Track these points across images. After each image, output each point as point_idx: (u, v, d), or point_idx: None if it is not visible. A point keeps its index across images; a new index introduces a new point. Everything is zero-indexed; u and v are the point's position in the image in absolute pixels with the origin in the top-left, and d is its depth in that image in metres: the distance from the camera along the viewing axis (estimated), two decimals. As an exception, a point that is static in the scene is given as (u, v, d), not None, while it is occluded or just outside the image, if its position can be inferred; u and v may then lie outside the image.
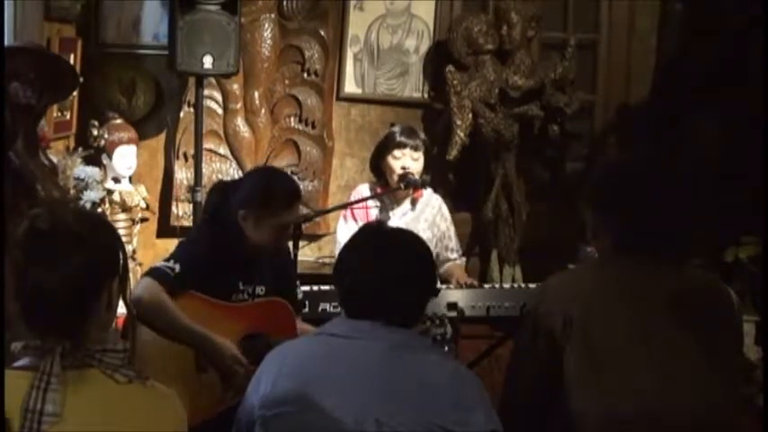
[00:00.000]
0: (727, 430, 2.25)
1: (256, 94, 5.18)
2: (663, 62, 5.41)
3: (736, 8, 4.92)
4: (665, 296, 2.27)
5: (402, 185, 4.02)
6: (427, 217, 4.17)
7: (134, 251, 4.79)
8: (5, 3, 3.55)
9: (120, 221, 4.69)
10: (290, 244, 3.37)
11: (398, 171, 4.02)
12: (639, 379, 2.19)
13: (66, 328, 1.73)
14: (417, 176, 4.04)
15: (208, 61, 4.53)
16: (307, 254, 5.07)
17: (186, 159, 5.09)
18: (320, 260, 5.15)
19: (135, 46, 5.11)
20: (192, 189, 4.73)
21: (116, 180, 4.80)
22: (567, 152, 5.34)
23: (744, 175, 4.59)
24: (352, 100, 5.37)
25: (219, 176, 5.08)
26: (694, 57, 5.11)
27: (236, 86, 5.13)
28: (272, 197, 3.10)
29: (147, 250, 5.01)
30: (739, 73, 4.81)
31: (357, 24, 5.30)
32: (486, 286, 4.12)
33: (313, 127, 5.24)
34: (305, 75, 5.23)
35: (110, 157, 4.76)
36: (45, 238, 1.73)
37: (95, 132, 4.74)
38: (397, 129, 4.19)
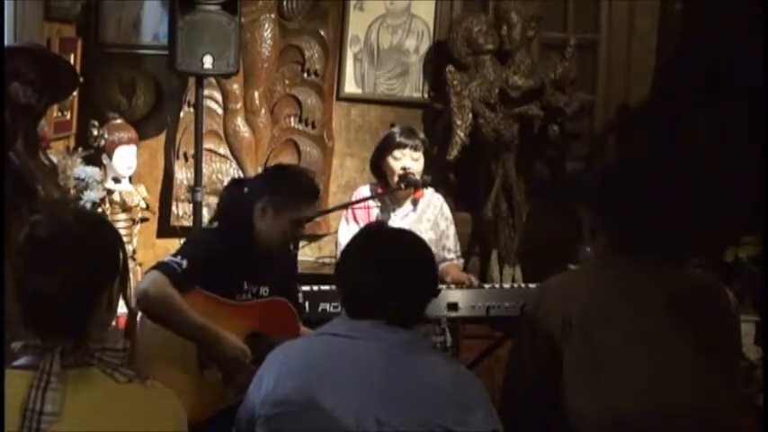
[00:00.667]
0: (727, 430, 2.26)
1: (256, 94, 5.17)
2: (663, 62, 5.41)
3: (736, 8, 4.93)
4: (664, 296, 2.28)
5: (402, 186, 4.01)
6: (429, 217, 4.16)
7: (134, 251, 4.79)
8: (5, 3, 3.55)
9: (121, 221, 4.69)
10: (292, 246, 3.38)
11: (399, 171, 4.01)
12: (638, 379, 2.20)
13: (66, 329, 1.72)
14: (418, 176, 4.03)
15: (208, 61, 4.52)
16: (307, 254, 5.07)
17: (186, 159, 5.09)
18: (320, 260, 5.15)
19: (135, 46, 5.11)
20: (192, 189, 4.72)
21: (116, 180, 4.80)
22: (567, 152, 5.34)
23: (744, 174, 4.59)
24: (352, 100, 5.37)
25: (219, 176, 5.09)
26: (694, 57, 5.11)
27: (236, 86, 5.13)
28: (298, 189, 3.16)
29: (147, 250, 5.01)
30: (739, 73, 4.81)
31: (357, 24, 5.30)
32: (486, 286, 4.11)
33: (313, 127, 5.24)
34: (305, 75, 5.23)
35: (110, 157, 4.76)
36: (45, 245, 1.73)
37: (95, 132, 4.73)
38: (396, 129, 4.18)
